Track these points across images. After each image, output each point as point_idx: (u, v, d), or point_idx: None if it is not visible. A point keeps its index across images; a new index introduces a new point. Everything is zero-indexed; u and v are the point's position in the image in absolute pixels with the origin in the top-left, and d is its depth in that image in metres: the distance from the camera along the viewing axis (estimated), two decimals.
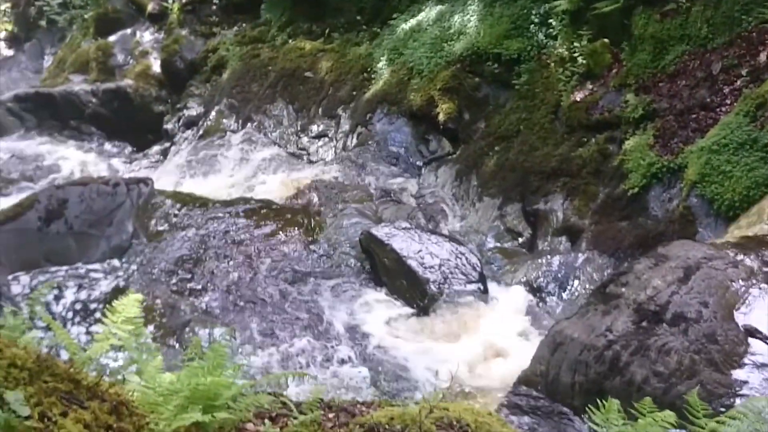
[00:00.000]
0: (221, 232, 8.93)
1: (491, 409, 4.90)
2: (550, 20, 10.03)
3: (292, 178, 10.90)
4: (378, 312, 7.90)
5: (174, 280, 8.33)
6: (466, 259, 8.23)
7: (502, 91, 10.42)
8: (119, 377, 2.82)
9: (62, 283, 8.00)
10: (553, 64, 9.90)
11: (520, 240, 9.15)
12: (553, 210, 8.98)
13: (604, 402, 3.05)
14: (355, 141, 11.38)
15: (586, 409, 3.12)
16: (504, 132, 10.00)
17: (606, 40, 9.44)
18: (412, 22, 11.80)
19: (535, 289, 8.03)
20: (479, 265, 8.25)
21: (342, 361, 7.11)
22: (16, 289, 7.78)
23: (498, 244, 9.18)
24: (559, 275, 8.08)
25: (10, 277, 7.86)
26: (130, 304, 2.99)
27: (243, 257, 8.55)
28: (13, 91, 16.01)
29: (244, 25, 14.33)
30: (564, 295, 7.89)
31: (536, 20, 10.30)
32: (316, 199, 9.90)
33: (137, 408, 2.36)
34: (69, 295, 7.88)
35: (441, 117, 10.53)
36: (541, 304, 7.88)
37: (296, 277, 8.34)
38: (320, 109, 12.18)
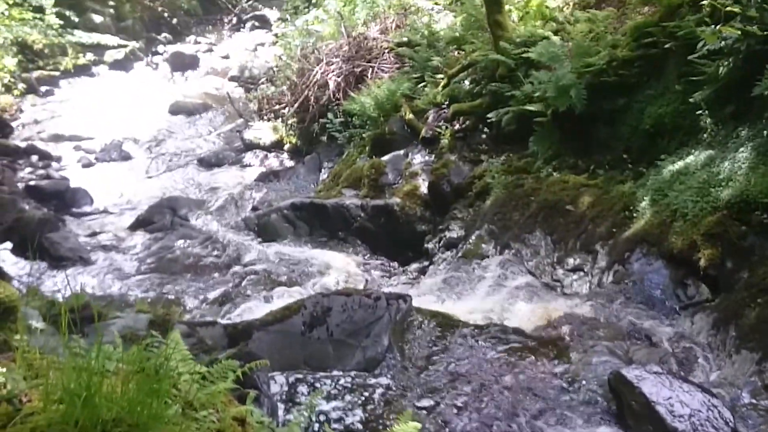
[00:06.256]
0: (471, 354, 9.16)
1: None
2: None
3: (545, 308, 10.93)
4: None
5: (422, 399, 8.58)
6: (719, 412, 7.90)
7: None
8: None
9: (319, 389, 8.44)
10: None
11: None
12: None
13: None
14: (611, 278, 11.30)
15: None
16: None
17: None
18: (680, 164, 11.68)
19: None
20: (732, 420, 7.87)
21: None
22: (274, 388, 8.15)
23: (754, 401, 8.71)
24: None
25: (269, 375, 8.24)
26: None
27: (490, 382, 8.69)
28: (290, 200, 17.40)
29: (511, 155, 14.74)
30: None
31: None
32: (566, 333, 9.91)
33: None
34: (325, 401, 8.29)
35: (702, 262, 10.29)
36: None
37: (541, 408, 8.34)
38: (578, 243, 12.23)
